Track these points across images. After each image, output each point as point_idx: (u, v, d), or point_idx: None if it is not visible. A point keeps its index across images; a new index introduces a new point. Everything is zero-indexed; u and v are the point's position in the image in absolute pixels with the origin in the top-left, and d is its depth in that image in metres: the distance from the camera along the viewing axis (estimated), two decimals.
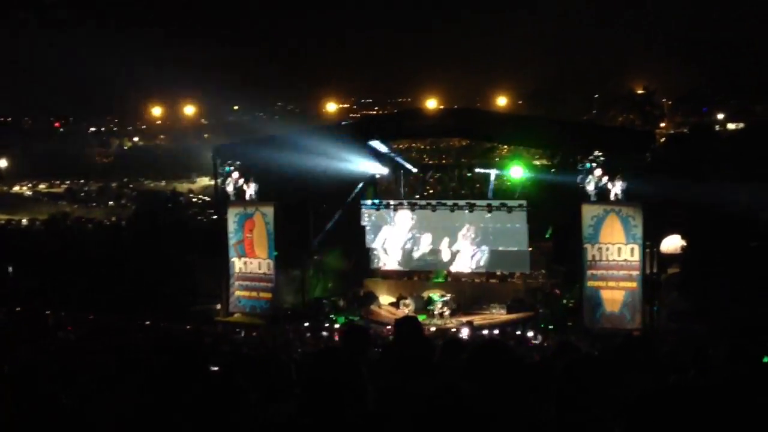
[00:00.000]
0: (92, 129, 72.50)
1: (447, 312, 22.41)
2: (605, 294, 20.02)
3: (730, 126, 50.17)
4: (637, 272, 19.70)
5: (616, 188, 19.82)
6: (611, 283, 19.99)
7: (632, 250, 19.68)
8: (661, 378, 3.91)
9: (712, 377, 3.74)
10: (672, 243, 23.62)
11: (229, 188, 23.32)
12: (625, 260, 19.74)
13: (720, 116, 52.50)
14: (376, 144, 23.79)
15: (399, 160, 25.30)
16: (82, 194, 58.09)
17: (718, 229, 21.43)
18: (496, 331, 20.26)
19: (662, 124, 49.63)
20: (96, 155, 67.46)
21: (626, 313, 19.82)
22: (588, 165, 20.11)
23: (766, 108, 50.90)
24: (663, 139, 37.58)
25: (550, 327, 20.33)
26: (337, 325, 20.55)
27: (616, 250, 19.80)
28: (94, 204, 53.97)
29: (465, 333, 19.87)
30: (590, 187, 20.08)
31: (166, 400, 3.80)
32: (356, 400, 3.13)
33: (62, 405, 4.13)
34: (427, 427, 2.48)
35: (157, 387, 3.95)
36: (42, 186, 61.62)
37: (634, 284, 19.78)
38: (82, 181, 61.44)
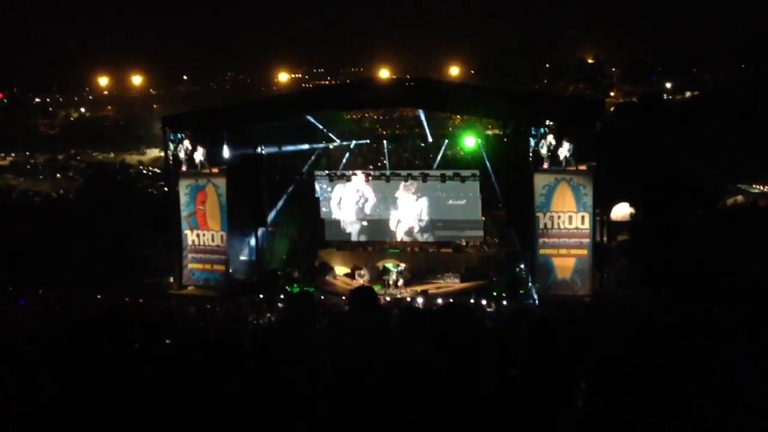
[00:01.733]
0: (37, 100, 70.55)
1: (401, 282, 22.54)
2: (557, 261, 20.32)
3: (687, 94, 50.86)
4: (588, 240, 20.02)
5: (567, 155, 20.00)
6: (562, 251, 20.27)
7: (583, 218, 19.96)
8: (614, 344, 3.99)
9: (661, 344, 3.86)
10: (621, 211, 24.04)
11: (181, 154, 22.83)
12: (576, 228, 20.02)
13: (668, 85, 53.23)
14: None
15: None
16: (28, 166, 56.65)
17: (666, 196, 21.84)
18: (452, 300, 20.47)
19: (612, 93, 50.20)
20: (41, 127, 65.71)
21: (577, 279, 20.16)
22: (542, 130, 20.18)
23: (716, 77, 51.69)
24: (612, 108, 38.02)
25: (503, 295, 20.60)
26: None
27: (567, 218, 20.06)
28: (41, 177, 52.70)
29: (420, 302, 20.03)
30: (543, 151, 20.19)
31: (122, 376, 3.75)
32: (312, 372, 3.13)
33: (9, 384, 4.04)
34: (386, 397, 2.48)
35: (113, 363, 3.89)
36: None
37: (584, 251, 20.10)
38: (28, 153, 59.89)
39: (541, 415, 2.95)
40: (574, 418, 2.52)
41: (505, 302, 19.53)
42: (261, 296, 21.06)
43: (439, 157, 24.66)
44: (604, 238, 20.56)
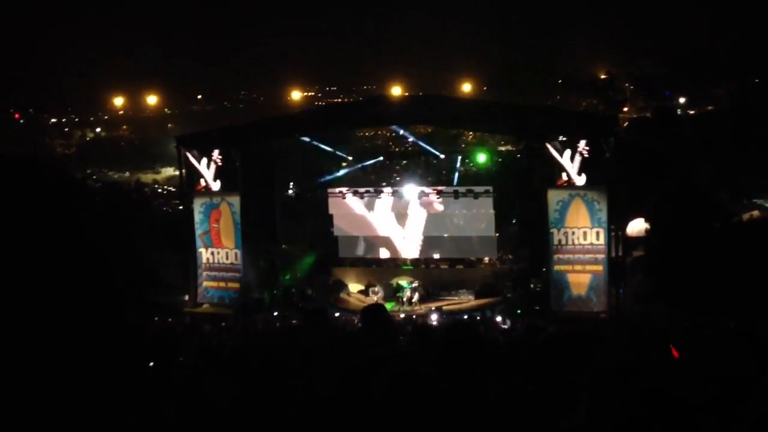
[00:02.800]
0: (53, 120, 71.19)
1: (416, 298, 22.51)
2: (572, 277, 20.22)
3: (696, 110, 50.71)
4: (603, 255, 19.91)
5: (581, 171, 19.92)
6: (577, 267, 20.18)
7: (597, 233, 19.87)
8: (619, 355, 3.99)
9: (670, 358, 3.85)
10: (637, 226, 23.89)
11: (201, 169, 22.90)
12: (590, 244, 19.93)
13: (682, 100, 53.06)
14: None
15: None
16: None
17: (681, 211, 21.69)
18: (465, 316, 20.41)
19: (625, 109, 50.08)
20: (57, 146, 66.24)
21: (592, 296, 20.05)
22: (556, 146, 20.10)
23: (727, 91, 51.45)
24: (626, 124, 37.94)
25: (518, 311, 20.50)
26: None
27: (582, 234, 19.98)
28: None
29: (434, 319, 19.98)
30: (556, 167, 20.13)
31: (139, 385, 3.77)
32: (312, 383, 3.14)
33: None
34: (391, 411, 2.49)
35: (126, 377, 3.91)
36: None
37: (599, 267, 19.99)
38: None
39: (542, 425, 2.95)
40: (574, 426, 2.52)
41: (520, 319, 19.43)
42: (275, 314, 21.08)
43: (456, 176, 24.66)
44: (620, 254, 20.44)
